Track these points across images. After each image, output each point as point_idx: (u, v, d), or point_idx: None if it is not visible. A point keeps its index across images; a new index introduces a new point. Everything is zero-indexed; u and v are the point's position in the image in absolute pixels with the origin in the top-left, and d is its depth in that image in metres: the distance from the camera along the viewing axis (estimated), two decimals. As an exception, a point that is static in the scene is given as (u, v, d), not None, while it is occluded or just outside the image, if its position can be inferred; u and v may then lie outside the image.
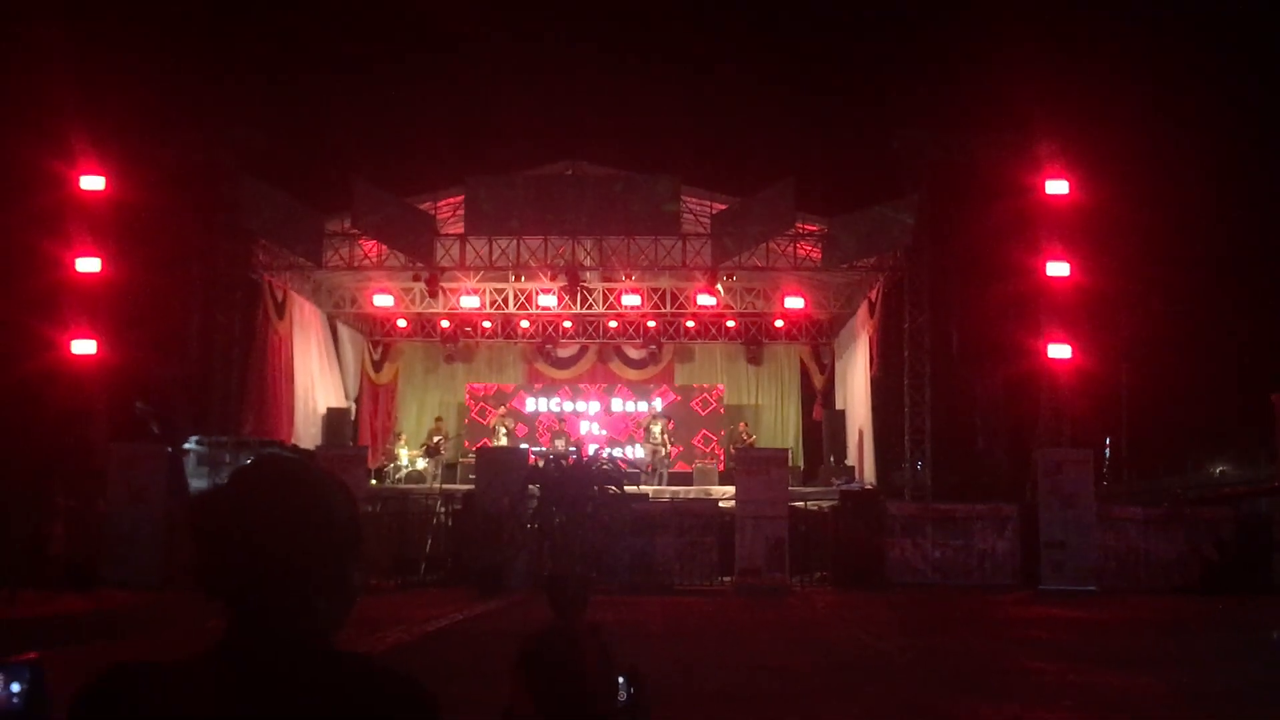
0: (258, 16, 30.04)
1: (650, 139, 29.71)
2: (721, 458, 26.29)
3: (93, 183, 19.42)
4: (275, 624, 1.59)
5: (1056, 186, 19.73)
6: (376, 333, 28.48)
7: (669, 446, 25.06)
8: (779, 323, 27.21)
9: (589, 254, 23.03)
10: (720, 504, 18.93)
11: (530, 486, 16.80)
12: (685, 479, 24.34)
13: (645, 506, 17.99)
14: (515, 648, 4.52)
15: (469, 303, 25.25)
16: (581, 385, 28.58)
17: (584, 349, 28.92)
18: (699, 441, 27.23)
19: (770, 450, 21.03)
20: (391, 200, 21.26)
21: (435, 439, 24.91)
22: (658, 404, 27.47)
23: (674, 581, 17.08)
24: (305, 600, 1.61)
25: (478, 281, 25.04)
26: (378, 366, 28.59)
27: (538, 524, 16.40)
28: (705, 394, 28.09)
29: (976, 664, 10.25)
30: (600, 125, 29.59)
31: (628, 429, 27.05)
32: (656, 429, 24.92)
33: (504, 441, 24.65)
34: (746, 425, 26.28)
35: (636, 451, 26.62)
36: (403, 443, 25.35)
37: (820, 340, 28.19)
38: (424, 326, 28.09)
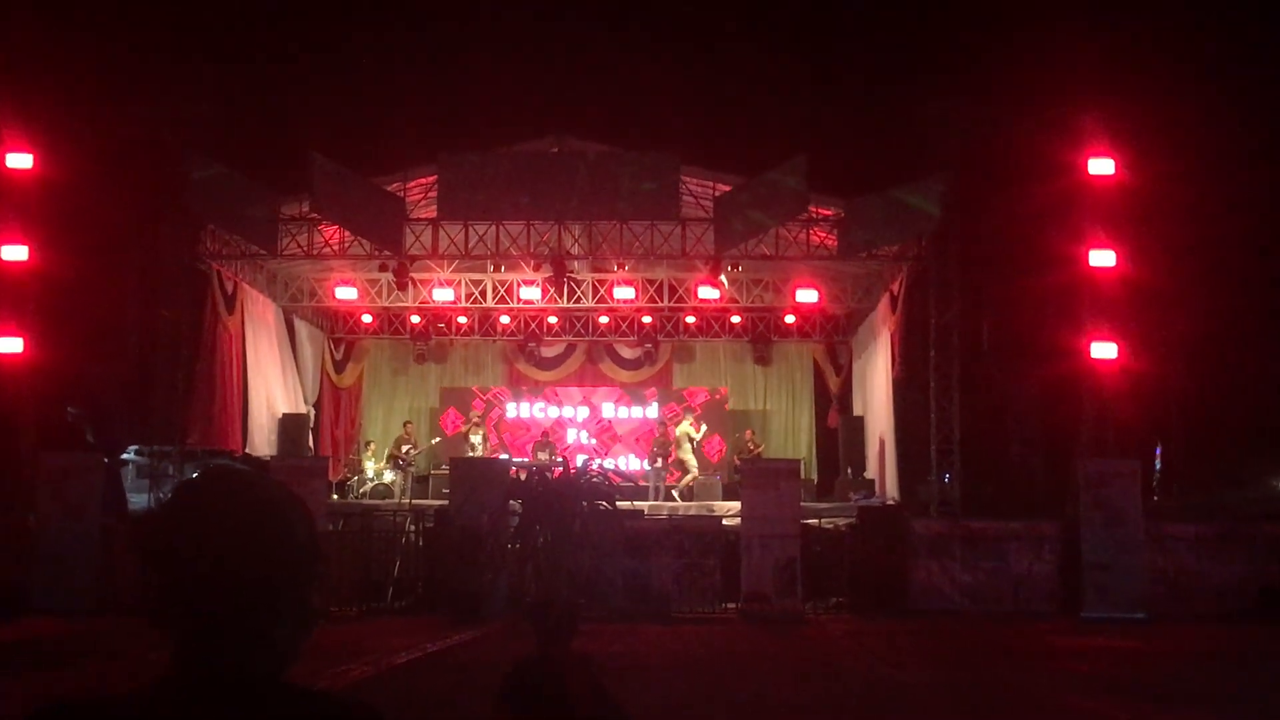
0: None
1: (646, 111, 29.68)
2: (725, 469, 26.32)
3: (19, 161, 19.34)
4: (226, 654, 1.60)
5: (1101, 165, 19.71)
6: (338, 329, 28.47)
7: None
8: (790, 318, 27.24)
9: (577, 241, 23.03)
10: (724, 522, 18.93)
11: (511, 502, 16.79)
12: (684, 493, 24.32)
13: (640, 524, 17.99)
14: (495, 681, 4.52)
15: (442, 296, 25.23)
16: (568, 388, 28.59)
17: (571, 348, 28.93)
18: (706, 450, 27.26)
19: (780, 461, 21.00)
20: (355, 180, 21.23)
21: (404, 448, 24.89)
22: (654, 409, 27.48)
23: (672, 608, 17.07)
24: (259, 627, 1.61)
25: (452, 272, 25.02)
26: (340, 367, 28.58)
27: (519, 544, 16.39)
28: (707, 398, 28.11)
29: (1011, 699, 10.26)
30: (590, 96, 29.56)
31: (648, 438, 26.81)
32: (678, 430, 24.79)
33: (480, 451, 24.66)
34: (753, 433, 26.29)
35: (631, 463, 26.63)
36: (370, 453, 25.33)
37: (836, 338, 28.21)
38: (391, 322, 28.08)
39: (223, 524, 1.62)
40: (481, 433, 25.55)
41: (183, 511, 1.64)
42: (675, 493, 23.91)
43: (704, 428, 25.61)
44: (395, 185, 22.14)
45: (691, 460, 24.68)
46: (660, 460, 24.70)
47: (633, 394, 28.10)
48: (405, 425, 26.15)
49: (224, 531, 1.61)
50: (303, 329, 26.98)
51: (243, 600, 1.60)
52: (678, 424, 25.36)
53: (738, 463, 22.63)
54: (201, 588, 1.59)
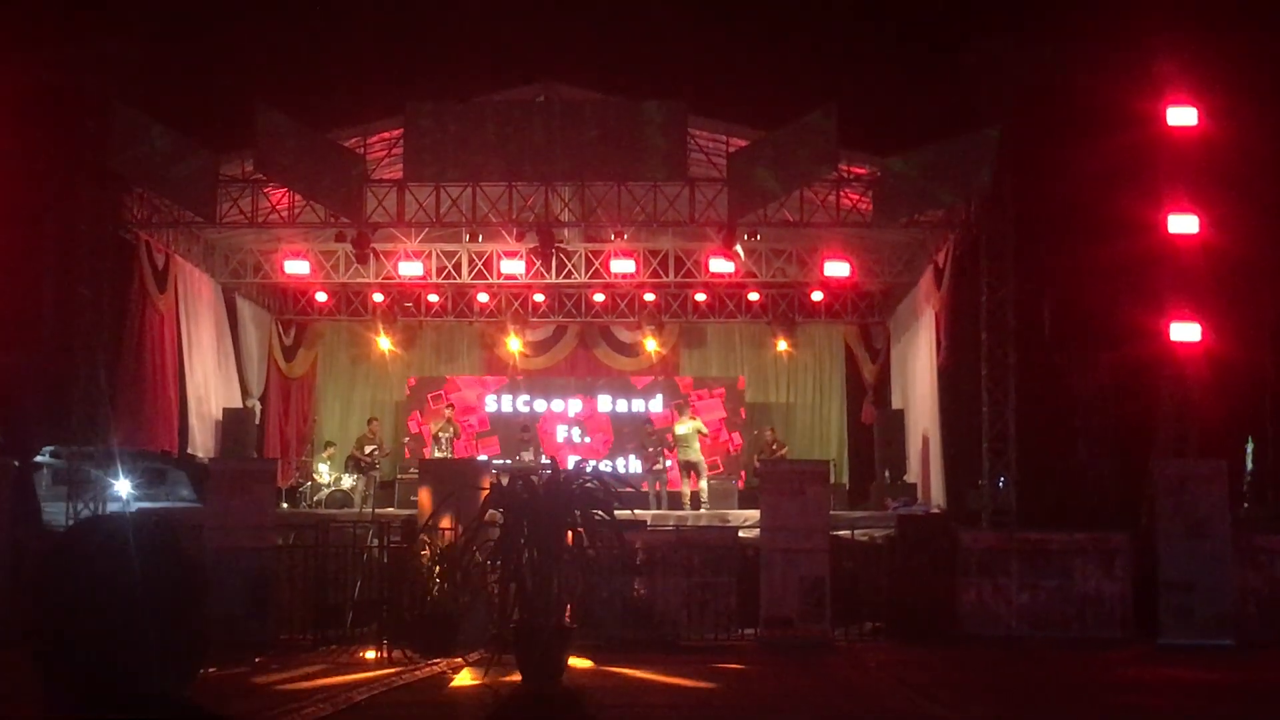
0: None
1: (648, 54, 29.57)
2: (742, 473, 26.34)
3: (-88, 113, 19.34)
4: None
5: (1182, 116, 19.67)
6: (288, 310, 28.47)
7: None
8: (817, 295, 27.19)
9: (567, 206, 22.98)
10: (740, 533, 18.93)
11: (491, 511, 16.78)
12: (694, 501, 24.35)
13: (642, 537, 17.97)
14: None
15: (409, 270, 25.20)
16: (558, 378, 28.61)
17: (561, 331, 28.94)
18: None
19: (806, 463, 20.99)
20: (307, 135, 21.19)
21: (368, 449, 24.90)
22: (659, 401, 27.45)
23: (680, 635, 17.09)
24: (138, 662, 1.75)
25: (421, 242, 24.99)
26: (289, 354, 28.58)
27: (501, 561, 16.37)
28: (720, 389, 28.12)
29: (1077, 742, 10.26)
30: (582, 36, 29.47)
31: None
32: (685, 429, 24.77)
33: (448, 453, 24.65)
34: (775, 431, 26.28)
35: (633, 466, 26.64)
36: (327, 455, 25.34)
37: (871, 318, 28.21)
38: (350, 302, 28.08)
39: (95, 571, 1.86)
40: (450, 432, 25.48)
41: (59, 561, 1.81)
42: (698, 500, 24.03)
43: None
44: (354, 141, 22.11)
45: (703, 462, 24.73)
46: (660, 460, 24.63)
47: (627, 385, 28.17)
48: (370, 422, 26.18)
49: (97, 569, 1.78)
50: (246, 309, 26.97)
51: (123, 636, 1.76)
52: (680, 420, 25.26)
53: (758, 464, 22.62)
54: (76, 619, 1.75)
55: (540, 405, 28.18)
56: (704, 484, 24.54)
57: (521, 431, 26.22)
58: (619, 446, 27.56)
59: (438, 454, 24.48)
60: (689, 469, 24.54)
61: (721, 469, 26.92)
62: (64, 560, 1.96)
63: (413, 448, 27.29)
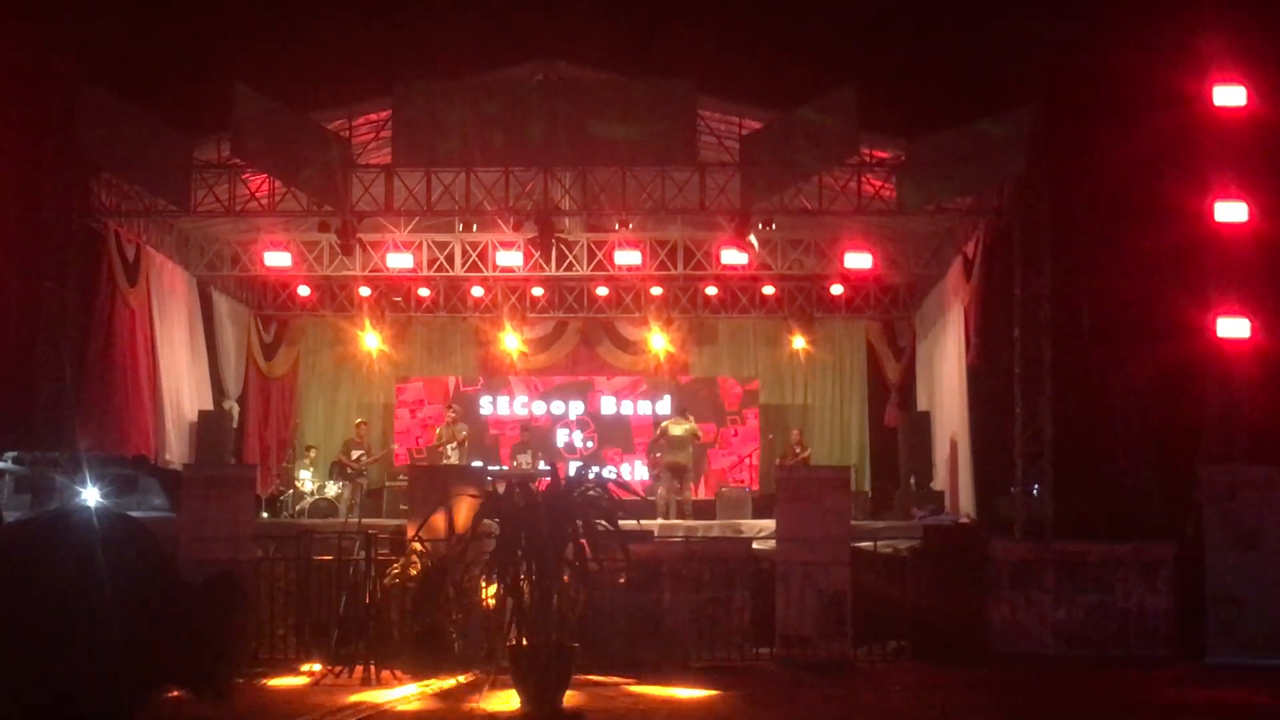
0: None
1: (655, 29, 29.55)
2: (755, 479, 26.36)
3: None
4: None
5: (1229, 95, 19.62)
6: (267, 305, 28.48)
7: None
8: (837, 289, 27.19)
9: (568, 193, 22.96)
10: (754, 545, 18.91)
11: (486, 521, 16.78)
12: (706, 510, 24.31)
13: (649, 549, 17.96)
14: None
15: (398, 262, 25.21)
16: (559, 378, 28.60)
17: (561, 327, 28.94)
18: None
19: (825, 469, 21.00)
20: (288, 118, 21.17)
21: (355, 454, 24.87)
22: (666, 403, 27.46)
23: (689, 654, 17.05)
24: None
25: (411, 232, 25.01)
26: (269, 353, 28.58)
27: (497, 575, 16.37)
28: (732, 390, 28.13)
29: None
30: (584, 11, 29.44)
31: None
32: (681, 430, 24.73)
33: (455, 459, 24.56)
34: (801, 432, 26.25)
35: (640, 472, 26.67)
36: (309, 461, 25.31)
37: (895, 313, 28.20)
38: (335, 296, 28.08)
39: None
40: (460, 433, 25.42)
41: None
42: (684, 509, 24.01)
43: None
44: (339, 123, 22.07)
45: (691, 468, 24.71)
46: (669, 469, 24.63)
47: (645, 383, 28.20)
48: (358, 426, 26.11)
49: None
50: (223, 304, 26.95)
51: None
52: (677, 421, 25.19)
53: (776, 471, 22.57)
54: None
55: (539, 407, 28.17)
56: (687, 493, 24.44)
57: (522, 432, 26.21)
58: (624, 451, 27.60)
59: (446, 461, 24.38)
60: (677, 473, 24.47)
61: (758, 488, 26.88)
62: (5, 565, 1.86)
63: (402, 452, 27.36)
